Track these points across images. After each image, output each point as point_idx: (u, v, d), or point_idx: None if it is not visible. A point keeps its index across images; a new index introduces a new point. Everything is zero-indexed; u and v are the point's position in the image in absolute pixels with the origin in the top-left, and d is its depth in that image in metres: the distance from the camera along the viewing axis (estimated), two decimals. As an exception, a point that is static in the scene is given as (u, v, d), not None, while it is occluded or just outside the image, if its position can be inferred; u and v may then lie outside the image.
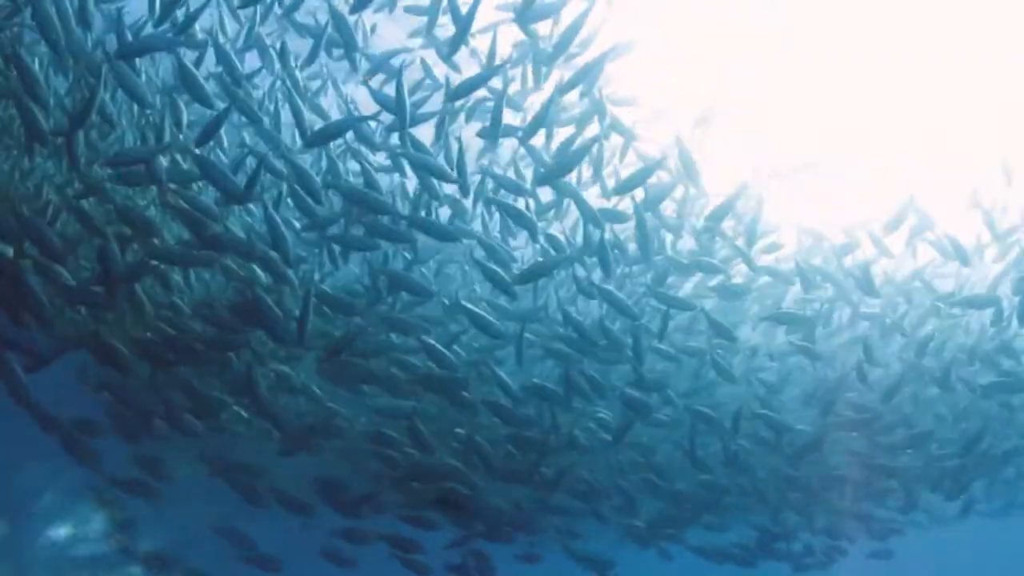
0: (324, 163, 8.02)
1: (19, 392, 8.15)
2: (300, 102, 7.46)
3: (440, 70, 7.86)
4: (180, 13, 6.89)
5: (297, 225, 8.19)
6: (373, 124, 8.07)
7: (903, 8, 9.14)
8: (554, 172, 7.58)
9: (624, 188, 7.84)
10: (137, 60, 6.94)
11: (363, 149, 8.08)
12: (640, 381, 9.45)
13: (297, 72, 7.49)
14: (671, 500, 12.25)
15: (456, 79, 7.42)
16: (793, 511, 13.84)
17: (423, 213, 7.89)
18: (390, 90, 7.73)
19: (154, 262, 7.66)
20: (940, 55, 9.52)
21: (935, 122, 9.93)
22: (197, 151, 7.08)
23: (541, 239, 8.27)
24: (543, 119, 7.52)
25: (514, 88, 7.87)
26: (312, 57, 7.34)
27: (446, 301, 8.94)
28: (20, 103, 6.69)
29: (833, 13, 9.15)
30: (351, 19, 7.23)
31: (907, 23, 9.25)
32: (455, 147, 7.71)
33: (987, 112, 9.77)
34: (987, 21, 9.20)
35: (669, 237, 8.74)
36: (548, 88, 7.59)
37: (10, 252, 7.40)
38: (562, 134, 8.21)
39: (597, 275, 8.56)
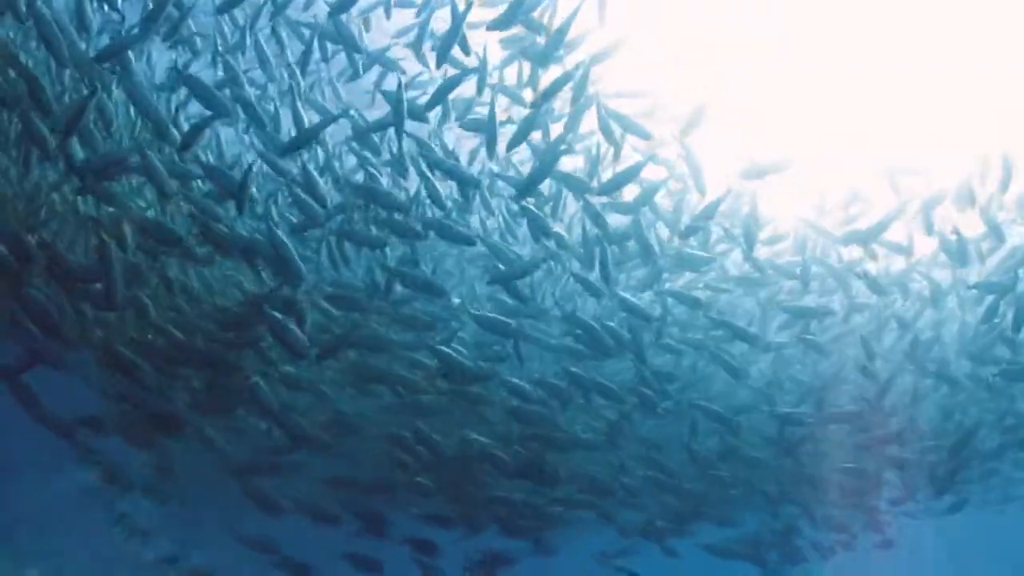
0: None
1: (25, 398, 7.93)
2: (299, 103, 7.25)
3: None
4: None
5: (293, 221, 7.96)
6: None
7: (898, 13, 8.91)
8: (530, 186, 7.38)
9: (612, 186, 7.64)
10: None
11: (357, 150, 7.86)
12: (643, 378, 9.27)
13: (296, 71, 7.29)
14: (676, 494, 12.01)
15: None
16: (792, 503, 13.63)
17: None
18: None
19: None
20: (935, 59, 9.29)
21: (931, 126, 9.70)
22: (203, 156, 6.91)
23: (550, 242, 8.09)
24: (531, 126, 7.26)
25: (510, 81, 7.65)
26: (306, 59, 7.10)
27: (455, 300, 8.72)
28: (23, 111, 6.47)
29: (828, 18, 8.93)
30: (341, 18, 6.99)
31: (902, 27, 9.02)
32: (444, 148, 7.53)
33: (981, 115, 9.54)
34: (980, 25, 8.98)
35: (665, 234, 8.52)
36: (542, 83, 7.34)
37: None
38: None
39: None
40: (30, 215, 7.04)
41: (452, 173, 7.36)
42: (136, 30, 6.33)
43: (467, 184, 7.57)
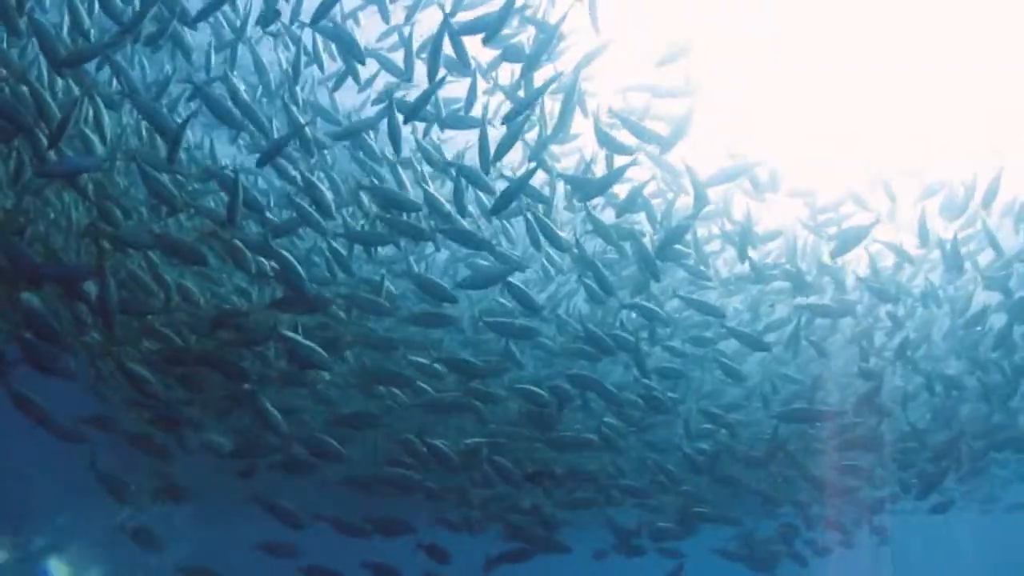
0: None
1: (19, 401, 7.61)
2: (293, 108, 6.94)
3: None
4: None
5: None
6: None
7: (893, 13, 8.61)
8: (504, 200, 7.05)
9: (596, 189, 7.30)
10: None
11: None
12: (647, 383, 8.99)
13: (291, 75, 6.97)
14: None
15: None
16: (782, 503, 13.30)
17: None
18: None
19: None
20: (930, 60, 8.98)
21: (924, 126, 9.35)
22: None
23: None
24: (514, 137, 6.87)
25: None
26: (296, 68, 6.77)
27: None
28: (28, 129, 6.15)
29: (822, 19, 8.61)
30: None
31: (898, 27, 8.71)
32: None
33: (975, 116, 9.22)
34: (973, 26, 8.68)
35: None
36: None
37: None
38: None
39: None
40: (19, 215, 6.71)
41: (472, 181, 7.05)
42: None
43: (485, 192, 7.29)
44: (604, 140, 7.17)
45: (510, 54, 6.75)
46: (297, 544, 11.00)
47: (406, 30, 6.89)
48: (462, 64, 6.72)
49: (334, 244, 7.54)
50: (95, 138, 6.44)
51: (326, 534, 10.25)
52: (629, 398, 9.05)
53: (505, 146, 6.85)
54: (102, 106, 6.35)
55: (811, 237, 8.64)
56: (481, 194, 7.78)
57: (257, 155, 6.79)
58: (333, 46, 6.94)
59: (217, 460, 9.79)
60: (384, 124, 6.88)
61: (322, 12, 6.22)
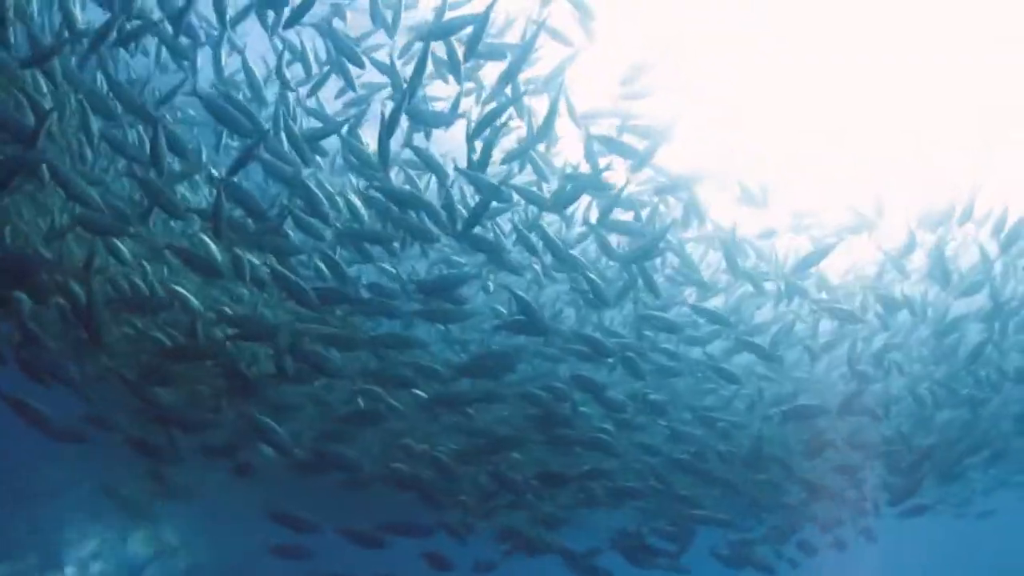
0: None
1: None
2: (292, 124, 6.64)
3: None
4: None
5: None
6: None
7: (884, 9, 8.36)
8: (476, 219, 6.79)
9: (566, 199, 7.02)
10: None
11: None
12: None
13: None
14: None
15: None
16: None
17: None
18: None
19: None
20: (921, 55, 8.72)
21: (917, 121, 9.08)
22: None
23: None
24: (491, 146, 6.64)
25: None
26: (280, 70, 6.50)
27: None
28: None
29: (813, 14, 8.35)
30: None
31: (890, 23, 8.46)
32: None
33: (966, 110, 8.97)
34: (963, 21, 8.42)
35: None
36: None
37: None
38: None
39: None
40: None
41: (475, 183, 6.78)
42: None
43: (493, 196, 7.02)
44: (591, 154, 6.92)
45: (490, 53, 6.50)
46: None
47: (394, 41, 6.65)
48: (454, 69, 6.48)
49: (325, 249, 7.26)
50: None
51: (324, 535, 9.98)
52: (618, 398, 8.74)
53: (487, 152, 6.59)
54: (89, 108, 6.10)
55: (796, 240, 8.38)
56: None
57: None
58: (320, 48, 6.69)
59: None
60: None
61: (302, 11, 5.96)
